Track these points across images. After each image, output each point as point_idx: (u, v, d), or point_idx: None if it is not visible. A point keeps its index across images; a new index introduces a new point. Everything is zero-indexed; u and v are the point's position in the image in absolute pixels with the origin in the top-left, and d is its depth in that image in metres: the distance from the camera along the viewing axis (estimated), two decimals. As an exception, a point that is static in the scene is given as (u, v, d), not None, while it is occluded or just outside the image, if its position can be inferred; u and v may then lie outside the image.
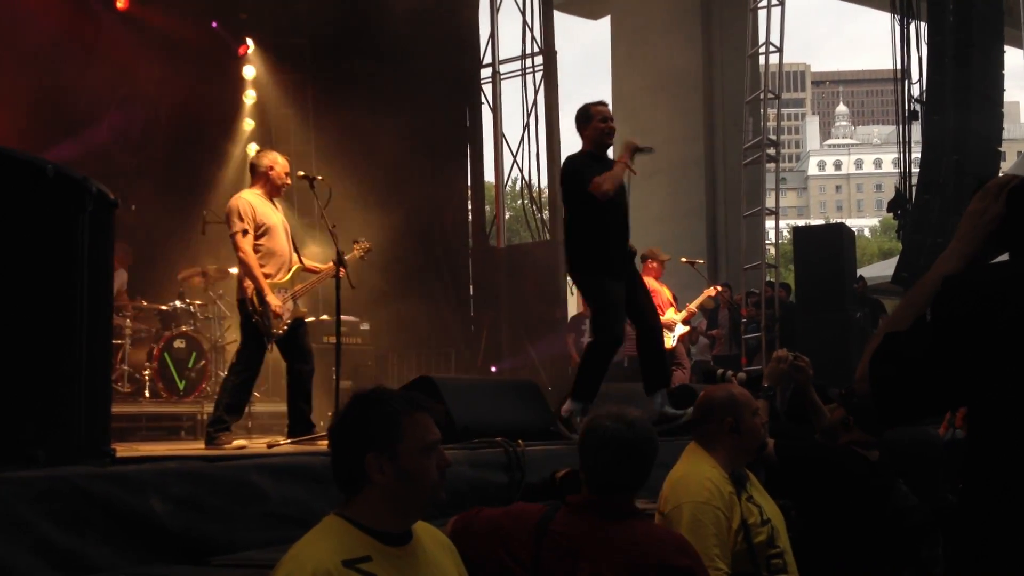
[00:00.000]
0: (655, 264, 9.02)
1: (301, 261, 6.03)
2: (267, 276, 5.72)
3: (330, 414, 6.57)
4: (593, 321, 5.86)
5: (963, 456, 1.82)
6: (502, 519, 2.79)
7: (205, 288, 8.82)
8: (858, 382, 1.83)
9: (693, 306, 9.74)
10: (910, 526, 3.80)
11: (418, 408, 2.23)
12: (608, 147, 5.86)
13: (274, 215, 5.87)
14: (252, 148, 10.37)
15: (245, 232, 5.66)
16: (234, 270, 6.43)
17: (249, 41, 10.92)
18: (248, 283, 5.68)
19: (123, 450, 3.91)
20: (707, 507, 3.15)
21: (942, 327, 1.73)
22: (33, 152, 3.26)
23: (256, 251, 5.72)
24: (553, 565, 2.63)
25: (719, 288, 10.81)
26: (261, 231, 5.76)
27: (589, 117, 5.80)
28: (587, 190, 5.52)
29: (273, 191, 5.94)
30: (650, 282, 8.10)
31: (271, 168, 5.91)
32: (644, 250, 8.54)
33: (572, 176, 5.71)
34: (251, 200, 5.78)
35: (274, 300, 5.68)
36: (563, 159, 5.91)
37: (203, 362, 8.60)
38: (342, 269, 5.91)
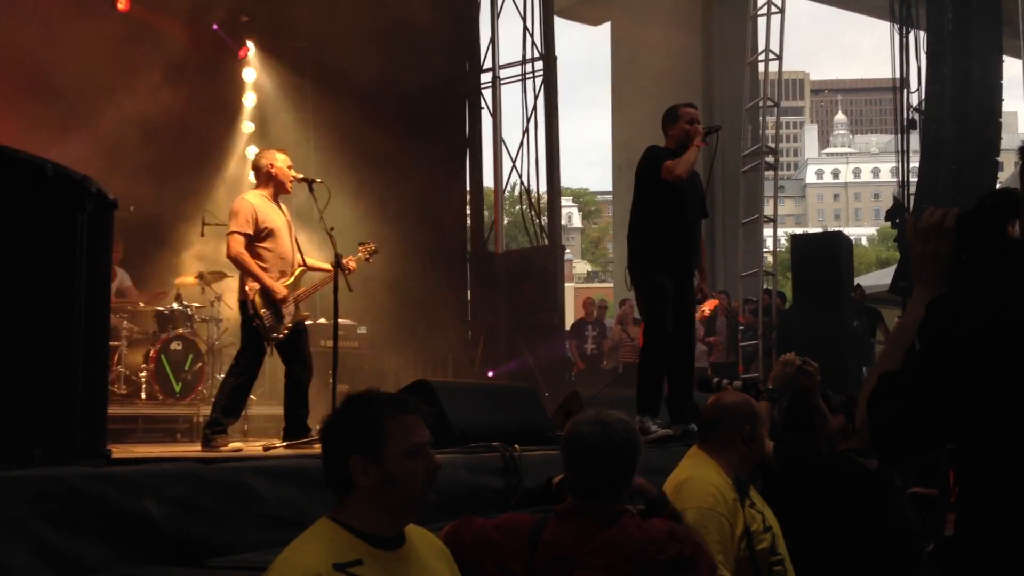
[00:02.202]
0: None
1: (304, 262, 6.00)
2: (270, 279, 5.70)
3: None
4: (646, 325, 5.71)
5: (957, 469, 1.81)
6: (493, 533, 2.71)
7: (202, 290, 8.81)
8: (860, 430, 1.83)
9: None
10: (908, 538, 3.79)
11: (404, 410, 2.19)
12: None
13: (278, 217, 5.84)
14: (251, 151, 10.37)
15: (243, 234, 5.65)
16: (230, 272, 6.41)
17: (249, 44, 10.94)
18: (250, 285, 5.65)
19: (119, 452, 3.89)
20: (711, 513, 3.15)
21: (932, 348, 1.73)
22: (33, 152, 3.25)
23: (260, 255, 5.70)
24: (548, 575, 2.61)
25: (716, 302, 10.83)
26: (264, 234, 5.72)
27: (676, 117, 5.80)
28: (659, 175, 5.51)
29: (279, 190, 5.90)
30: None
31: (271, 166, 5.89)
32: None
33: (649, 162, 5.67)
34: (255, 202, 5.75)
35: (280, 289, 5.66)
36: (645, 149, 5.81)
37: (199, 364, 8.58)
38: (340, 273, 5.90)
